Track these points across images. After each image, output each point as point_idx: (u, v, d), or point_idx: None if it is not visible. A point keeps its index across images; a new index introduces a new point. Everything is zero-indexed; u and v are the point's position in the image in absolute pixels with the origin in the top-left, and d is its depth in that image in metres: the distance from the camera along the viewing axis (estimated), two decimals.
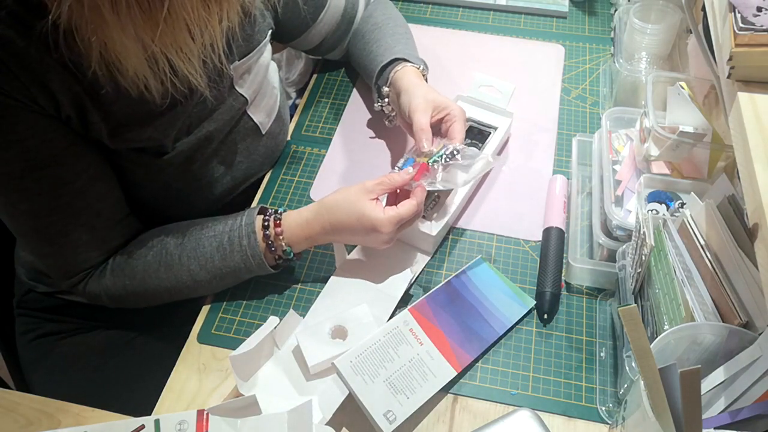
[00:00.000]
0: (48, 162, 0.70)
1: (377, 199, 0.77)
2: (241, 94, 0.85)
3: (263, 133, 0.92)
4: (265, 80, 0.91)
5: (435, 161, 0.80)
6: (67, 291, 0.83)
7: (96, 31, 0.59)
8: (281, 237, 0.78)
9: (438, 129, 0.87)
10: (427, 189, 0.79)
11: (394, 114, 0.96)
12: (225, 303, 0.83)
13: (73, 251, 0.77)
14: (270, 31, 0.90)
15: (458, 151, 0.81)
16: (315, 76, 1.13)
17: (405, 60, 0.93)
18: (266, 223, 0.79)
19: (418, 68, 0.93)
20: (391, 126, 0.99)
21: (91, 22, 0.58)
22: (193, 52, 0.66)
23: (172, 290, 0.80)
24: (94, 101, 0.69)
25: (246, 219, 0.79)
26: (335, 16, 1.00)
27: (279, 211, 0.80)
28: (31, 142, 0.68)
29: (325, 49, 1.05)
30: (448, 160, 0.80)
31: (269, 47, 0.92)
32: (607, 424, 0.71)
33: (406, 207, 0.76)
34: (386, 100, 0.94)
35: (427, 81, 0.94)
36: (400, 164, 0.84)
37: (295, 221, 0.79)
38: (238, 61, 0.83)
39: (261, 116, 0.91)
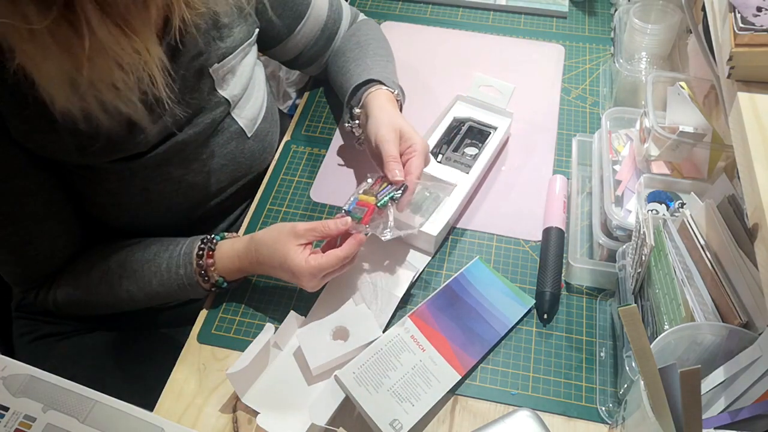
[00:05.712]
0: (7, 177, 0.73)
1: (308, 244, 0.75)
2: (224, 97, 0.84)
3: (249, 135, 0.90)
4: (251, 81, 0.90)
5: (384, 204, 0.76)
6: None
7: (25, 62, 0.59)
8: (213, 269, 0.79)
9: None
10: (384, 239, 0.75)
11: (364, 137, 0.90)
12: (225, 303, 0.83)
13: (31, 262, 0.80)
14: (257, 30, 0.89)
15: (406, 187, 0.78)
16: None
17: (380, 82, 0.89)
18: (200, 252, 0.79)
19: (393, 92, 0.89)
20: (361, 149, 0.92)
21: (20, 52, 0.59)
22: (130, 87, 0.66)
23: (112, 305, 0.83)
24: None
25: (185, 248, 0.80)
26: (314, 30, 0.97)
27: (215, 240, 0.80)
28: None
29: (302, 63, 1.01)
30: (396, 197, 0.77)
31: (255, 47, 0.90)
32: (607, 424, 0.71)
33: (330, 258, 0.73)
34: (357, 122, 0.89)
35: (401, 108, 0.91)
36: (346, 206, 0.78)
37: (226, 253, 0.79)
38: (218, 63, 0.82)
39: (246, 119, 0.89)
